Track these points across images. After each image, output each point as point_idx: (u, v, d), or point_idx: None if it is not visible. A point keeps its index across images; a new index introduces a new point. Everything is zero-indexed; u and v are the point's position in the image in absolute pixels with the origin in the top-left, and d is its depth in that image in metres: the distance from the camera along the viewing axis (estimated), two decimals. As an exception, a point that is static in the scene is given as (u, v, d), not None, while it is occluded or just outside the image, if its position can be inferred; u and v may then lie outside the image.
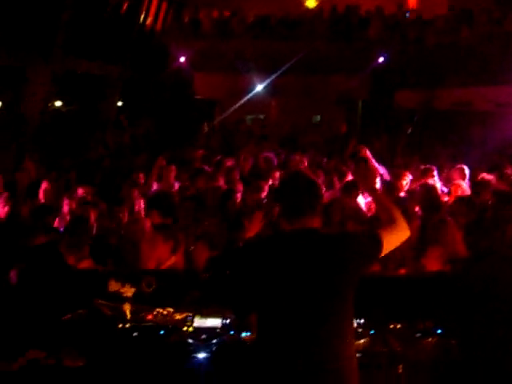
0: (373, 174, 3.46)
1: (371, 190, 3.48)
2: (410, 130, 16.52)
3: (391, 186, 7.76)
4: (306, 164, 9.53)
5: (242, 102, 15.94)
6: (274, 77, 15.60)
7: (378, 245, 3.04)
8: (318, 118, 19.56)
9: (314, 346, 2.88)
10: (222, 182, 8.19)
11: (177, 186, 8.31)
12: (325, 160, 10.64)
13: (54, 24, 13.26)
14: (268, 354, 2.94)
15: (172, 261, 5.37)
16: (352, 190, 7.14)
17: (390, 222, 3.17)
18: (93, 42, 14.58)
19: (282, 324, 2.93)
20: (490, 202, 6.78)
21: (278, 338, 2.93)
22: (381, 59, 15.62)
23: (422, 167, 8.57)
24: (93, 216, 6.59)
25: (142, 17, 16.54)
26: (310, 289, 2.92)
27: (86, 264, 5.18)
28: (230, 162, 9.50)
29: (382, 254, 3.07)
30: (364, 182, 3.52)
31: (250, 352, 3.10)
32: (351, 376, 2.94)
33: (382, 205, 3.30)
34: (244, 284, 3.07)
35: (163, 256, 5.39)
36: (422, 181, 7.78)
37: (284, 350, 2.90)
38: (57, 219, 6.92)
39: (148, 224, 6.18)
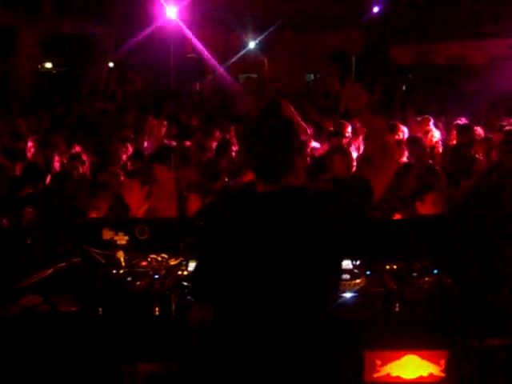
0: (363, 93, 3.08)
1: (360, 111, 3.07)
2: (404, 88, 16.42)
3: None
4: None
5: (235, 60, 15.75)
6: (266, 34, 15.40)
7: (370, 193, 2.91)
8: (312, 76, 19.39)
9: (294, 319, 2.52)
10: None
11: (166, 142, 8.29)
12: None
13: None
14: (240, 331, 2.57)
15: (146, 206, 5.35)
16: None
17: (381, 157, 2.95)
18: (82, 1, 14.37)
19: (258, 304, 2.50)
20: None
21: (250, 320, 2.54)
22: (375, 9, 15.36)
23: (419, 118, 8.60)
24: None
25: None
26: (295, 262, 2.48)
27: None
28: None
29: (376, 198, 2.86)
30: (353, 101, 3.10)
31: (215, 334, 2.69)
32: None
33: (372, 130, 3.03)
34: (211, 261, 2.59)
35: (137, 202, 5.38)
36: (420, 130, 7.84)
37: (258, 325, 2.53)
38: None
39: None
